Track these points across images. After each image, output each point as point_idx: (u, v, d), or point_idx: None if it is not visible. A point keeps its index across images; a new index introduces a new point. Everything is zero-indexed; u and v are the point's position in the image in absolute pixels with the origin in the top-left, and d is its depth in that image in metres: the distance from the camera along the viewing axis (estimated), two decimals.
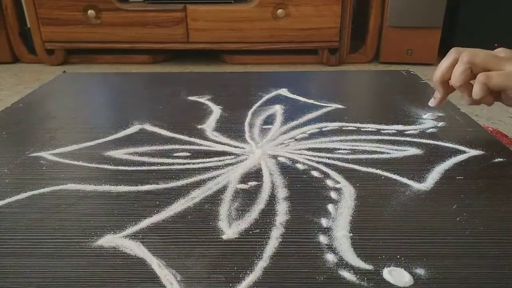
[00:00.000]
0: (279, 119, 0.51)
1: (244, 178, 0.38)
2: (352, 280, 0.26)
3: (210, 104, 0.57)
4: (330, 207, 0.33)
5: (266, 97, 0.59)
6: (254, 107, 0.55)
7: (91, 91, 0.66)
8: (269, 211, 0.33)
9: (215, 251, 0.29)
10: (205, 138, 0.46)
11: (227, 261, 0.28)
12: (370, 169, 0.39)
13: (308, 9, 2.07)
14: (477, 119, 0.51)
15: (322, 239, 0.30)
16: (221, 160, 0.41)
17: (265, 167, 0.40)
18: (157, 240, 0.30)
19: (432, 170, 0.39)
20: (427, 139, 0.45)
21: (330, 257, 0.28)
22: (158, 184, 0.37)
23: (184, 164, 0.41)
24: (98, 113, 0.56)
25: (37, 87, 0.66)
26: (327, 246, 0.29)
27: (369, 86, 0.71)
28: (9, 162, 0.41)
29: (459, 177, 0.38)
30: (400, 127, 0.48)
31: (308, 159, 0.41)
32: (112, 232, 0.31)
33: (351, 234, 0.30)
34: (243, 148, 0.44)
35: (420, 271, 0.27)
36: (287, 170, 0.39)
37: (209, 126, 0.49)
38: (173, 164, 0.41)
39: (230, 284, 0.26)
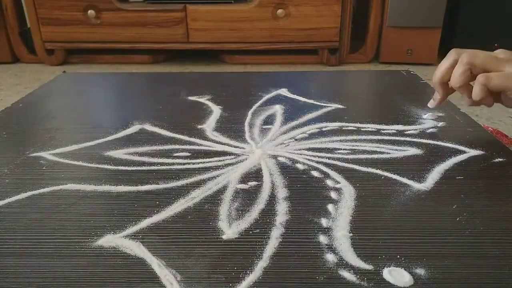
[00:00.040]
0: (279, 119, 0.51)
1: (244, 178, 0.38)
2: (352, 280, 0.26)
3: (210, 104, 0.57)
4: (330, 207, 0.33)
5: (266, 97, 0.59)
6: (254, 107, 0.55)
7: (91, 91, 0.66)
8: (269, 211, 0.33)
9: (215, 251, 0.29)
10: (205, 138, 0.46)
11: (227, 261, 0.28)
12: (370, 169, 0.39)
13: (308, 9, 2.07)
14: (477, 119, 0.51)
15: (322, 239, 0.30)
16: (221, 160, 0.41)
17: (265, 167, 0.40)
18: (157, 240, 0.30)
19: (432, 170, 0.39)
20: (427, 139, 0.45)
21: (330, 257, 0.28)
22: (158, 184, 0.37)
23: (184, 164, 0.41)
24: (98, 113, 0.56)
25: (37, 87, 0.66)
26: (327, 246, 0.29)
27: (369, 86, 0.71)
28: (9, 162, 0.41)
29: (459, 177, 0.38)
30: (400, 127, 0.48)
31: (308, 159, 0.41)
32: (112, 232, 0.31)
33: (351, 234, 0.30)
34: (243, 148, 0.44)
35: (420, 271, 0.27)
36: (287, 170, 0.39)
37: (209, 126, 0.49)
38: (173, 164, 0.41)
39: (230, 284, 0.26)
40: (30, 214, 0.33)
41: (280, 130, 0.48)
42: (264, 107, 0.55)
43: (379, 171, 0.39)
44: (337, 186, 0.36)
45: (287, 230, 0.31)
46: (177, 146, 0.44)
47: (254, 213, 0.33)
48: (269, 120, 0.51)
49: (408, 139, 0.45)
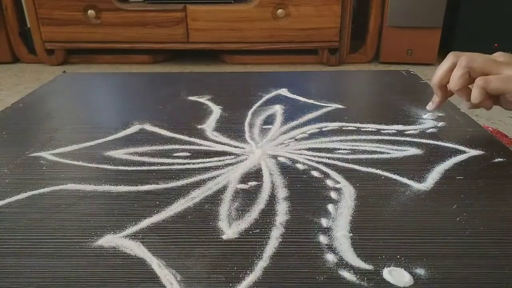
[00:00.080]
0: (279, 119, 0.51)
1: (244, 178, 0.38)
2: (352, 280, 0.26)
3: (210, 104, 0.57)
4: (330, 207, 0.33)
5: (266, 97, 0.59)
6: (254, 107, 0.55)
7: (91, 91, 0.66)
8: (269, 211, 0.33)
9: (215, 251, 0.29)
10: (205, 138, 0.46)
11: (227, 261, 0.28)
12: (370, 169, 0.39)
13: (308, 9, 2.08)
14: (477, 119, 0.51)
15: (322, 239, 0.30)
16: (221, 160, 0.41)
17: (265, 167, 0.40)
18: (157, 240, 0.30)
19: (432, 170, 0.39)
20: (427, 139, 0.45)
21: (330, 257, 0.28)
22: (158, 184, 0.37)
23: (184, 164, 0.41)
24: (98, 113, 0.56)
25: (37, 87, 0.66)
26: (327, 246, 0.29)
27: (369, 86, 0.71)
28: (9, 162, 0.41)
29: (459, 177, 0.38)
30: (400, 127, 0.48)
31: (308, 159, 0.41)
32: (112, 232, 0.31)
33: (351, 234, 0.30)
34: (243, 148, 0.44)
35: (420, 271, 0.27)
36: (287, 170, 0.39)
37: (209, 126, 0.49)
38: (173, 164, 0.41)
39: (230, 284, 0.26)
40: (30, 214, 0.33)
41: (280, 130, 0.48)
42: (264, 107, 0.55)
43: (379, 171, 0.39)
44: (337, 186, 0.36)
45: (287, 230, 0.31)
46: (177, 146, 0.44)
47: (254, 213, 0.33)
48: (269, 120, 0.51)
49: (408, 139, 0.45)
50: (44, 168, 0.40)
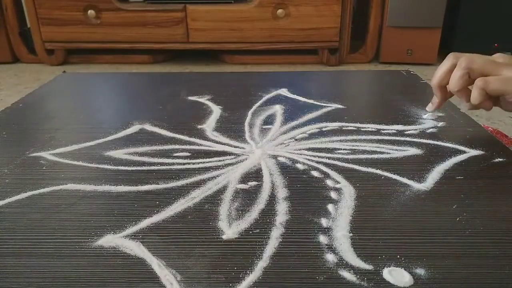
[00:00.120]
0: (279, 119, 0.51)
1: (244, 178, 0.38)
2: (352, 280, 0.26)
3: (210, 104, 0.57)
4: (330, 207, 0.33)
5: (266, 97, 0.59)
6: (254, 107, 0.55)
7: (91, 91, 0.66)
8: (269, 211, 0.33)
9: (215, 251, 0.29)
10: (205, 138, 0.46)
11: (227, 261, 0.28)
12: (370, 169, 0.39)
13: (308, 9, 2.08)
14: (477, 119, 0.51)
15: (322, 239, 0.30)
16: (221, 160, 0.41)
17: (265, 167, 0.40)
18: (157, 240, 0.30)
19: (432, 170, 0.39)
20: (427, 139, 0.45)
21: (330, 257, 0.28)
22: (158, 184, 0.37)
23: (184, 164, 0.41)
24: (98, 113, 0.56)
25: (37, 87, 0.66)
26: (327, 246, 0.29)
27: (369, 86, 0.71)
28: (9, 162, 0.41)
29: (459, 177, 0.38)
30: (400, 127, 0.48)
31: (308, 159, 0.41)
32: (112, 232, 0.31)
33: (351, 234, 0.30)
34: (243, 148, 0.44)
35: (420, 271, 0.27)
36: (287, 170, 0.39)
37: (209, 126, 0.49)
38: (173, 164, 0.41)
39: (230, 284, 0.26)
40: (30, 214, 0.33)
41: (280, 130, 0.48)
42: (264, 107, 0.55)
43: (379, 171, 0.39)
44: (337, 186, 0.36)
45: (287, 230, 0.31)
46: (177, 146, 0.44)
47: (254, 213, 0.33)
48: (269, 120, 0.51)
49: (408, 139, 0.45)
50: (44, 168, 0.40)
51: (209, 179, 0.38)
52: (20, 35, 2.24)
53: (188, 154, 0.43)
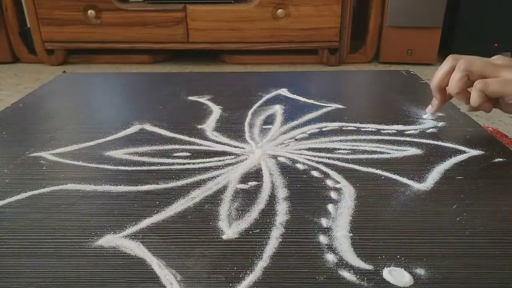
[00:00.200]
0: (279, 119, 0.51)
1: (244, 178, 0.38)
2: (352, 280, 0.26)
3: (210, 104, 0.57)
4: (330, 207, 0.33)
5: (266, 97, 0.59)
6: (254, 107, 0.55)
7: (91, 91, 0.66)
8: (269, 211, 0.33)
9: (215, 251, 0.29)
10: (205, 138, 0.46)
11: (227, 261, 0.28)
12: (370, 169, 0.39)
13: (308, 9, 2.08)
14: (477, 119, 0.51)
15: (322, 239, 0.30)
16: (221, 160, 0.41)
17: (265, 167, 0.40)
18: (157, 240, 0.30)
19: (432, 170, 0.39)
20: (427, 139, 0.45)
21: (330, 257, 0.28)
22: (158, 184, 0.37)
23: (184, 164, 0.41)
24: (98, 113, 0.56)
25: (37, 87, 0.66)
26: (327, 246, 0.29)
27: (369, 86, 0.71)
28: (9, 162, 0.41)
29: (459, 177, 0.38)
30: (400, 127, 0.48)
31: (308, 159, 0.41)
32: (112, 232, 0.31)
33: (351, 234, 0.30)
34: (243, 148, 0.44)
35: (420, 271, 0.27)
36: (287, 170, 0.39)
37: (209, 126, 0.49)
38: (173, 164, 0.41)
39: (230, 284, 0.26)
40: (30, 214, 0.33)
41: (280, 130, 0.48)
42: (264, 107, 0.55)
43: (379, 171, 0.39)
44: (337, 186, 0.36)
45: (287, 230, 0.31)
46: (177, 146, 0.44)
47: (254, 213, 0.33)
48: (269, 120, 0.51)
49: (408, 139, 0.45)
50: (44, 168, 0.40)
51: (209, 179, 0.38)
52: (20, 35, 2.24)
53: (188, 154, 0.43)
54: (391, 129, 0.48)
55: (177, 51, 2.26)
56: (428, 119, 0.50)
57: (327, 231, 0.31)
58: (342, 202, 0.34)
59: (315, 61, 2.25)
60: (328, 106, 0.55)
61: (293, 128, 0.49)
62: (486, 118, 1.44)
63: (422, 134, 0.46)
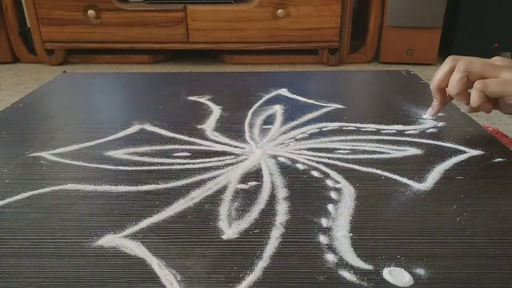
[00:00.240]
0: (279, 119, 0.51)
1: (244, 178, 0.38)
2: (352, 280, 0.26)
3: (210, 104, 0.57)
4: (330, 207, 0.33)
5: (266, 97, 0.59)
6: (254, 107, 0.55)
7: (91, 91, 0.66)
8: (269, 211, 0.33)
9: (215, 251, 0.29)
10: (205, 138, 0.46)
11: (227, 261, 0.28)
12: (370, 169, 0.39)
13: (308, 9, 2.08)
14: (477, 119, 0.51)
15: (322, 239, 0.30)
16: (221, 160, 0.41)
17: (265, 167, 0.40)
18: (157, 240, 0.30)
19: (432, 170, 0.39)
20: (427, 139, 0.45)
21: (330, 257, 0.28)
22: (158, 184, 0.37)
23: (184, 164, 0.41)
24: (98, 113, 0.56)
25: (37, 87, 0.66)
26: (327, 246, 0.29)
27: (369, 86, 0.71)
28: (9, 162, 0.41)
29: (459, 177, 0.38)
30: (400, 127, 0.48)
31: (308, 159, 0.41)
32: (112, 232, 0.31)
33: (351, 234, 0.30)
34: (243, 148, 0.44)
35: (420, 271, 0.27)
36: (287, 170, 0.39)
37: (209, 126, 0.49)
38: (173, 164, 0.41)
39: (230, 284, 0.26)
40: (30, 214, 0.33)
41: (280, 130, 0.48)
42: (264, 107, 0.55)
43: (379, 171, 0.39)
44: (337, 186, 0.36)
45: (287, 230, 0.31)
46: (177, 146, 0.44)
47: (254, 213, 0.33)
48: (269, 120, 0.51)
49: (408, 139, 0.45)
50: (44, 168, 0.40)
51: (209, 179, 0.38)
52: (20, 35, 2.24)
53: (188, 154, 0.43)
54: (391, 129, 0.48)
55: (177, 51, 2.26)
56: (428, 119, 0.50)
57: (327, 231, 0.31)
58: (342, 202, 0.34)
59: (315, 61, 2.25)
60: (328, 106, 0.55)
61: (293, 128, 0.49)
62: (486, 118, 1.44)
63: (422, 134, 0.46)
